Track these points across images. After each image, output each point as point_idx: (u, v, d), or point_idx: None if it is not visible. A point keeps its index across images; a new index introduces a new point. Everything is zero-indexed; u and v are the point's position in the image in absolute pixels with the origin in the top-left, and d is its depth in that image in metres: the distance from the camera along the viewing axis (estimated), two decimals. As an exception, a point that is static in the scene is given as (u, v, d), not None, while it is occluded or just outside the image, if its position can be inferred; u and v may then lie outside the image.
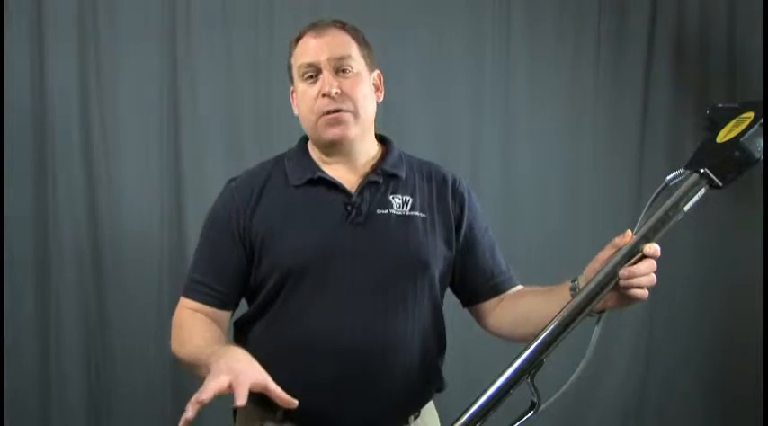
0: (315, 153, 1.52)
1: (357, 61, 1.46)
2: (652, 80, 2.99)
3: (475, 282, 1.56)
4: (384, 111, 1.55)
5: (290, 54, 1.50)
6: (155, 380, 2.57)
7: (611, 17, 2.97)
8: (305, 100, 1.46)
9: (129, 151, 2.58)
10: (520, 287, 1.58)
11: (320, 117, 1.44)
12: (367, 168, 1.50)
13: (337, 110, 1.43)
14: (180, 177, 2.61)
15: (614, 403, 3.02)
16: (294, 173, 1.49)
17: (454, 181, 1.56)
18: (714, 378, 3.05)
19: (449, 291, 1.61)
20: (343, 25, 1.49)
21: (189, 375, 2.66)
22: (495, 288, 1.56)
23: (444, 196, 1.53)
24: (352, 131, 1.46)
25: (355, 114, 1.45)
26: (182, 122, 2.62)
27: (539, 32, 2.93)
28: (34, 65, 2.50)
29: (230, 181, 1.53)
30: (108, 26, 2.54)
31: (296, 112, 1.52)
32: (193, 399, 1.20)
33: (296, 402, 1.25)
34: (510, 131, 2.91)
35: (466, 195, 1.55)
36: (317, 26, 1.48)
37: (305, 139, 1.56)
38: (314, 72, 1.45)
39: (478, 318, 1.61)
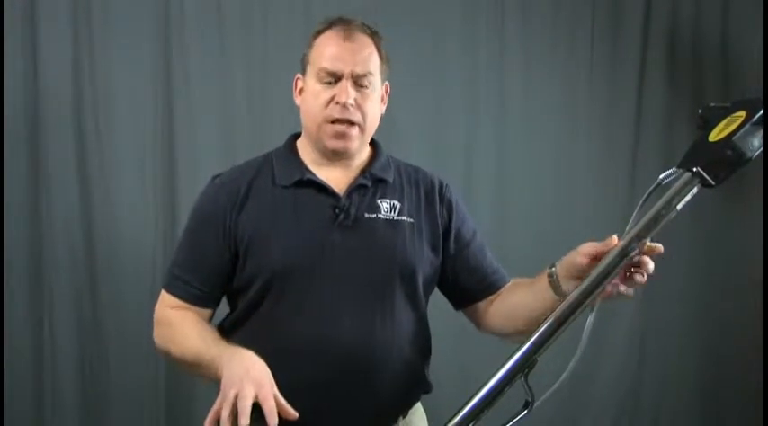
0: (305, 152, 1.51)
1: (376, 76, 1.46)
2: (646, 81, 3.00)
3: (467, 284, 1.57)
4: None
5: (310, 45, 1.48)
6: (149, 381, 2.56)
7: (605, 18, 2.97)
8: (317, 101, 1.44)
9: (123, 151, 2.57)
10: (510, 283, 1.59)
11: (328, 123, 1.44)
12: (356, 171, 1.50)
13: (347, 121, 1.43)
14: (174, 177, 2.61)
15: (608, 403, 3.02)
16: (282, 174, 1.48)
17: (441, 187, 1.56)
18: (708, 378, 3.06)
19: (441, 294, 1.61)
20: (371, 33, 1.48)
21: (183, 376, 2.66)
22: (488, 288, 1.57)
23: (432, 202, 1.53)
24: (355, 145, 1.47)
25: (362, 129, 1.46)
26: (176, 122, 2.61)
27: (533, 34, 2.93)
28: (28, 65, 2.48)
29: (215, 177, 1.52)
30: (102, 25, 2.53)
31: (297, 102, 1.51)
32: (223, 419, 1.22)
33: (296, 414, 1.27)
34: (504, 132, 2.91)
35: (453, 201, 1.56)
36: (345, 27, 1.45)
37: (293, 137, 1.55)
38: (333, 79, 1.43)
39: (473, 319, 1.61)
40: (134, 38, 2.56)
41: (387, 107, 1.57)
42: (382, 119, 1.55)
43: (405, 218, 1.48)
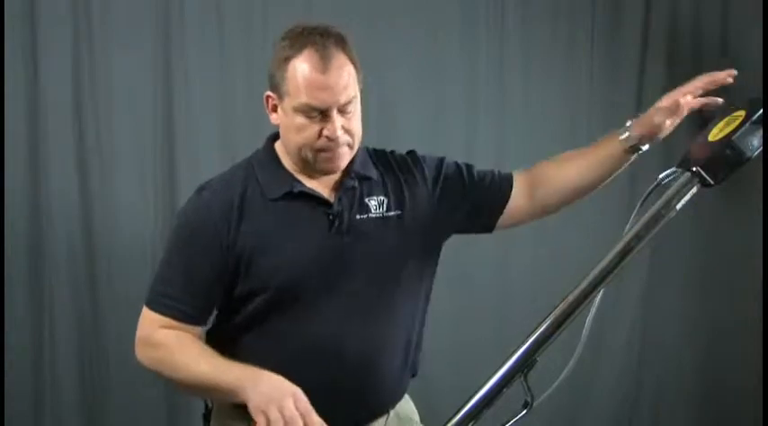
0: (287, 159, 1.47)
1: (357, 93, 1.41)
2: (646, 80, 3.00)
3: (490, 202, 1.58)
4: (378, 110, 1.54)
5: (281, 69, 1.38)
6: (149, 378, 2.54)
7: (605, 17, 2.97)
8: (302, 135, 1.39)
9: (122, 151, 2.57)
10: (520, 171, 1.62)
11: (318, 152, 1.41)
12: (340, 172, 1.48)
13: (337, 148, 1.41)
14: (174, 177, 2.61)
15: (608, 405, 3.02)
16: (269, 186, 1.44)
17: (412, 158, 1.56)
18: (708, 378, 3.06)
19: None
20: (343, 45, 1.40)
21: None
22: (508, 188, 1.58)
23: (413, 181, 1.52)
24: (346, 161, 1.45)
25: (352, 147, 1.43)
26: (175, 121, 2.60)
27: (533, 34, 2.92)
28: (28, 64, 2.48)
29: (201, 189, 1.47)
30: (102, 25, 2.53)
31: (273, 120, 1.45)
32: None
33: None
34: (504, 131, 2.91)
35: (427, 165, 1.55)
36: (319, 51, 1.35)
37: (271, 141, 1.51)
38: (317, 112, 1.37)
39: (513, 220, 1.61)
40: (134, 37, 2.55)
41: (386, 105, 1.56)
42: (379, 113, 1.53)
43: (392, 213, 1.47)
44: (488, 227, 1.61)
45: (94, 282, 2.56)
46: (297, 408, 1.26)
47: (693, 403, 3.06)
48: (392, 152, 1.58)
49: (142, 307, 2.49)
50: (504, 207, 1.58)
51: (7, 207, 2.44)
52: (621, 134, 1.51)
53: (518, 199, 1.59)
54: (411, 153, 1.58)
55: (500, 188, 1.58)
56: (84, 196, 2.55)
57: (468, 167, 1.59)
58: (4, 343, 2.38)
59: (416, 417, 1.61)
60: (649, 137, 1.52)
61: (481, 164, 2.82)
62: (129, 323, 2.50)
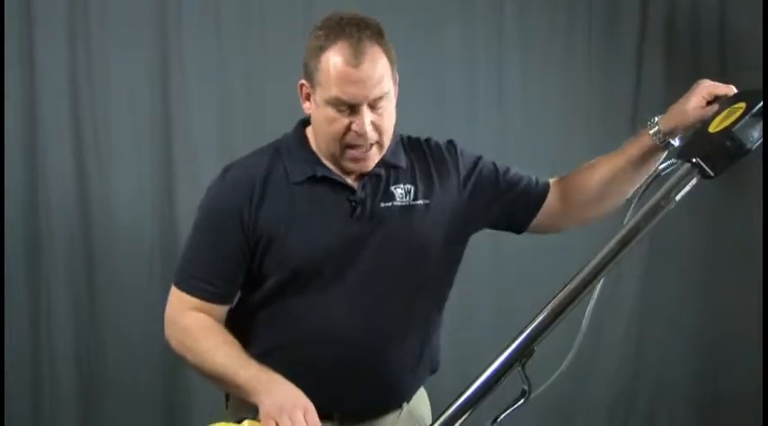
0: (316, 146, 1.46)
1: (390, 89, 1.40)
2: (644, 72, 3.00)
3: (522, 203, 1.55)
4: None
5: (315, 59, 1.36)
6: (146, 372, 2.57)
7: (603, 9, 2.96)
8: (331, 128, 1.38)
9: (120, 149, 2.57)
10: (557, 178, 1.59)
11: (347, 148, 1.39)
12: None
13: (366, 145, 1.39)
14: (171, 175, 2.61)
15: (605, 396, 3.03)
16: (294, 169, 1.43)
17: (449, 148, 1.54)
18: (705, 373, 3.07)
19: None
20: (378, 38, 1.37)
21: (180, 367, 2.66)
22: (541, 195, 1.55)
23: (446, 174, 1.50)
24: (375, 161, 1.43)
25: (381, 145, 1.42)
26: (173, 120, 2.61)
27: (531, 24, 2.92)
28: (25, 63, 2.48)
29: (225, 170, 1.47)
30: (99, 24, 2.53)
31: (305, 109, 1.44)
32: None
33: None
34: (503, 123, 2.91)
35: (461, 159, 1.53)
36: (354, 44, 1.33)
37: (302, 126, 1.50)
38: (347, 106, 1.35)
39: (547, 228, 1.59)
40: (131, 36, 2.55)
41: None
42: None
43: (420, 202, 1.46)
44: (519, 230, 1.59)
45: (93, 279, 2.56)
46: (306, 421, 1.27)
47: (691, 395, 3.07)
48: (427, 140, 1.55)
49: (140, 304, 2.51)
50: (536, 212, 1.55)
51: (6, 205, 2.44)
52: (651, 129, 1.42)
53: (552, 205, 1.55)
54: (450, 142, 1.55)
55: (534, 193, 1.55)
56: (83, 194, 2.55)
57: (505, 169, 1.56)
58: (4, 341, 2.38)
59: (429, 420, 1.59)
60: (682, 129, 1.41)
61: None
62: (127, 321, 2.54)
